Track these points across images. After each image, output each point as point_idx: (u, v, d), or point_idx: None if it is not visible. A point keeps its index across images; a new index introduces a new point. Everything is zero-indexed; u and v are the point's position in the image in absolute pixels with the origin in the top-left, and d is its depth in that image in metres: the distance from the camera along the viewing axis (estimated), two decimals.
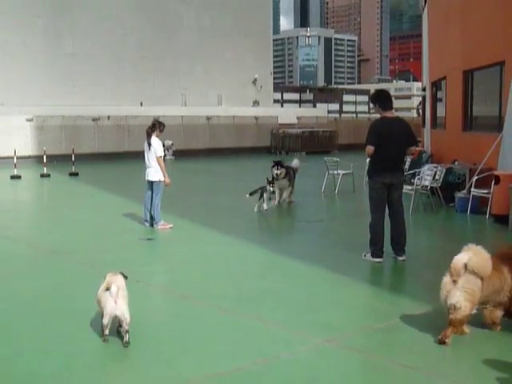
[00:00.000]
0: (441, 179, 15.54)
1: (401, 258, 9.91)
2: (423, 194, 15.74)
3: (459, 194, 15.08)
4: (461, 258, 6.33)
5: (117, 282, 6.52)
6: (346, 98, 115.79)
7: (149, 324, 7.03)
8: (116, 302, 6.28)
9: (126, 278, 6.75)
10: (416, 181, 15.52)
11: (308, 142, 39.94)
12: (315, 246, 11.27)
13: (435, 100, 22.81)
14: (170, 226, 12.81)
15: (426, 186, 15.46)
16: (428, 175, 15.61)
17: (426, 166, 16.57)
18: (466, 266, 6.26)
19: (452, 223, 14.46)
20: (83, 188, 21.18)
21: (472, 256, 6.30)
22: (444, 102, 20.94)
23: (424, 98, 25.51)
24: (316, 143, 40.15)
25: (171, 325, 7.11)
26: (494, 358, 5.99)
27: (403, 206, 10.23)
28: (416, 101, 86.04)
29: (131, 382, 5.52)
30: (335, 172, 19.08)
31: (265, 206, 14.51)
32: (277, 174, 15.64)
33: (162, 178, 12.75)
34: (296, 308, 7.64)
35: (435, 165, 16.62)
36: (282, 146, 39.56)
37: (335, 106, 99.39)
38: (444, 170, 15.67)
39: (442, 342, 6.30)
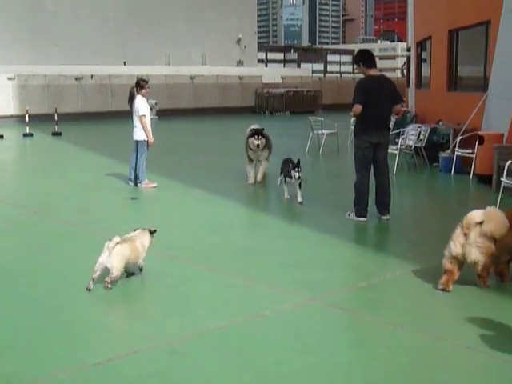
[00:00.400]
0: (425, 139, 15.55)
1: (385, 218, 9.94)
2: (407, 154, 15.76)
3: (443, 154, 15.09)
4: (475, 216, 6.57)
5: (141, 237, 6.99)
6: (330, 57, 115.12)
7: (136, 282, 7.02)
8: (109, 255, 6.51)
9: (153, 233, 7.16)
10: (400, 141, 15.51)
11: (292, 101, 39.82)
12: (300, 206, 11.26)
13: (420, 60, 22.71)
14: (154, 185, 12.77)
15: (410, 146, 15.47)
16: (412, 135, 15.62)
17: (411, 126, 16.56)
18: (479, 223, 6.48)
19: (436, 183, 14.50)
20: (66, 148, 21.04)
21: (488, 220, 6.51)
22: (429, 61, 20.85)
23: (409, 58, 25.39)
24: (300, 103, 40.03)
25: (157, 283, 7.10)
26: (478, 315, 6.04)
27: (388, 166, 10.23)
28: (400, 61, 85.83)
29: (115, 340, 5.52)
30: (319, 132, 19.03)
31: (286, 194, 11.63)
32: (258, 145, 13.00)
33: (147, 138, 12.70)
34: (281, 266, 7.65)
35: (419, 125, 16.63)
36: (266, 106, 39.45)
37: (319, 66, 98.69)
38: (428, 130, 15.67)
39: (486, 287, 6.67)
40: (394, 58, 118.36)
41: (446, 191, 13.71)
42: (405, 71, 34.18)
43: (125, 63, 42.77)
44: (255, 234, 9.44)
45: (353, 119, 12.28)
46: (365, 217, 9.83)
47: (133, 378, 4.80)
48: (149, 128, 12.72)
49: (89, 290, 6.50)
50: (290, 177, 11.19)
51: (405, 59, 34.47)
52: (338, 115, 25.30)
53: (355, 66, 10.11)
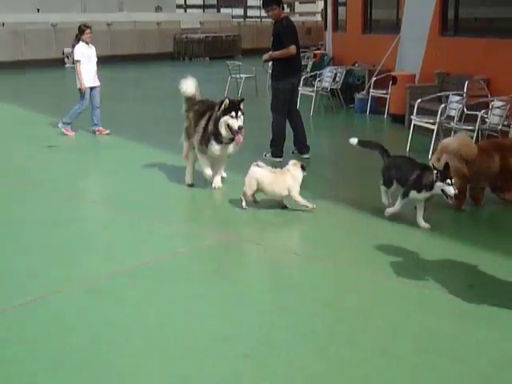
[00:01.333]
0: (341, 81, 15.84)
1: (306, 156, 10.19)
2: (324, 96, 16.01)
3: (358, 95, 15.44)
4: (446, 142, 7.37)
5: (292, 171, 7.51)
6: (250, 2, 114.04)
7: (54, 226, 7.10)
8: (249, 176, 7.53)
9: (304, 169, 7.55)
10: (316, 83, 15.72)
11: (211, 47, 39.51)
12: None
13: (337, 3, 22.85)
14: (72, 134, 12.67)
15: (327, 88, 15.73)
16: (328, 77, 15.86)
17: (328, 69, 16.77)
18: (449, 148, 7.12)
19: (352, 123, 14.84)
20: None
21: (457, 142, 7.18)
22: (345, 4, 21.03)
23: (326, 1, 25.48)
24: (219, 48, 39.74)
25: (80, 227, 7.20)
26: (387, 243, 6.38)
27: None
28: (321, 5, 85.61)
29: (38, 281, 5.60)
30: (238, 76, 19.10)
31: (424, 223, 6.78)
32: (239, 129, 8.27)
33: (84, 85, 12.62)
34: (196, 207, 7.86)
35: (336, 67, 16.87)
36: (185, 52, 39.01)
37: (240, 11, 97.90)
38: (344, 72, 15.96)
39: (461, 211, 7.38)
40: (314, 2, 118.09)
41: (362, 131, 14.03)
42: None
43: (38, 10, 41.51)
44: (172, 179, 9.56)
45: (270, 63, 12.17)
46: (281, 157, 10.08)
47: (56, 317, 4.94)
48: (84, 74, 12.62)
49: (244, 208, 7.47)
50: (432, 188, 6.58)
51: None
52: (257, 59, 25.31)
53: (272, 7, 10.00)
